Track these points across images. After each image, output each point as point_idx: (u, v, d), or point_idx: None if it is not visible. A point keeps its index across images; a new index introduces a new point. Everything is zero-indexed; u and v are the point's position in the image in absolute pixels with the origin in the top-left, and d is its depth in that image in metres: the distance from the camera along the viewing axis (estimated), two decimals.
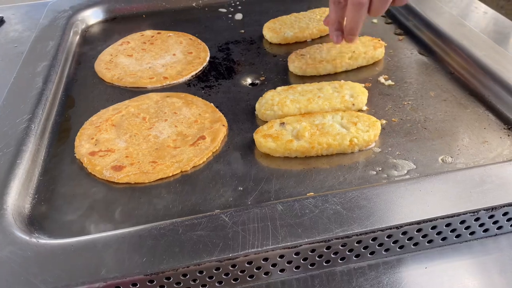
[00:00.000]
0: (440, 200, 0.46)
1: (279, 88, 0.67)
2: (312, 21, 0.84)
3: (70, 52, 0.82)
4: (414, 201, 0.46)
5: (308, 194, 0.51)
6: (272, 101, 0.65)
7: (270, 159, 0.58)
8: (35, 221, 0.50)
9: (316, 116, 0.61)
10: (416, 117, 0.63)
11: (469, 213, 0.45)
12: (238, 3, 0.98)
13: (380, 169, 0.55)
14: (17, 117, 0.62)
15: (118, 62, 0.80)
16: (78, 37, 0.88)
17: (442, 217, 0.44)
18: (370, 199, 0.46)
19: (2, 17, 1.02)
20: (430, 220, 0.44)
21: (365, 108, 0.65)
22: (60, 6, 0.94)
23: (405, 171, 0.54)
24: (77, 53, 0.84)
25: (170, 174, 0.56)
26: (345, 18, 0.66)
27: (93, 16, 0.94)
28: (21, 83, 0.69)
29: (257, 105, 0.66)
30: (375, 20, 0.89)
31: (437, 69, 0.73)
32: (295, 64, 0.74)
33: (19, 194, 0.52)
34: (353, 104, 0.64)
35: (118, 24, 0.94)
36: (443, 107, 0.64)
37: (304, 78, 0.74)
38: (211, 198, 0.52)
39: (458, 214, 0.45)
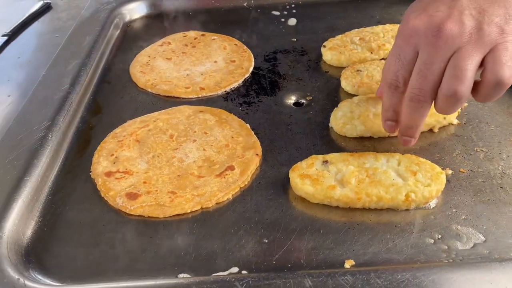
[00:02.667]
0: None
1: (356, 98, 0.60)
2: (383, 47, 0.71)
3: (107, 50, 0.76)
4: None
5: (346, 261, 0.42)
6: (352, 113, 0.57)
7: (306, 204, 0.49)
8: (32, 253, 0.45)
9: (367, 157, 0.51)
10: (491, 170, 0.51)
11: None
12: (293, 6, 0.88)
13: (440, 237, 0.44)
14: (35, 123, 0.57)
15: (155, 65, 0.73)
16: (118, 31, 0.83)
17: None
18: (423, 287, 0.36)
19: (49, 3, 0.99)
20: None
21: (455, 121, 0.58)
22: None
23: (471, 244, 0.43)
24: (115, 51, 0.78)
25: (189, 211, 0.49)
26: (402, 112, 0.49)
27: (137, 10, 0.88)
28: (48, 83, 0.65)
29: (332, 118, 0.59)
30: None
31: None
32: (348, 81, 0.65)
33: (20, 217, 0.46)
34: (444, 118, 0.56)
35: (162, 21, 0.88)
36: None
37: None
38: (230, 249, 0.44)
39: None
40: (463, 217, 0.46)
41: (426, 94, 0.45)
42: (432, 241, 0.44)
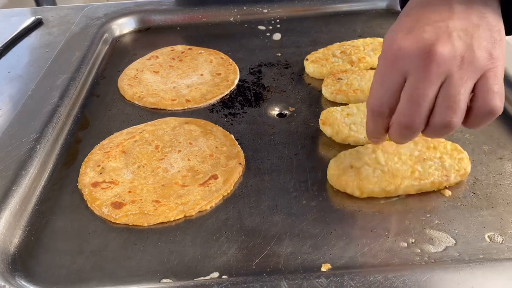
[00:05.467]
0: None
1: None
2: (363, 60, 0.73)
3: (96, 64, 0.78)
4: None
5: (323, 265, 0.43)
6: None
7: (285, 211, 0.51)
8: (19, 261, 0.46)
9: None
10: None
11: None
12: (278, 21, 0.91)
13: (413, 241, 0.46)
14: (24, 135, 0.58)
15: (143, 78, 0.75)
16: (107, 47, 0.85)
17: None
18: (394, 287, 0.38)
19: (41, 19, 1.01)
20: None
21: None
22: (94, 13, 0.91)
23: (443, 247, 0.45)
24: (103, 65, 0.80)
25: (172, 219, 0.50)
26: (390, 134, 0.46)
27: (125, 25, 0.90)
28: (37, 96, 0.66)
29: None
30: None
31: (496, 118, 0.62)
32: (327, 88, 0.69)
33: (8, 227, 0.48)
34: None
35: (150, 35, 0.90)
36: (498, 167, 0.55)
37: (336, 105, 0.65)
38: (211, 255, 0.46)
39: None
40: (436, 221, 0.48)
41: (418, 121, 0.42)
42: (406, 245, 0.46)
